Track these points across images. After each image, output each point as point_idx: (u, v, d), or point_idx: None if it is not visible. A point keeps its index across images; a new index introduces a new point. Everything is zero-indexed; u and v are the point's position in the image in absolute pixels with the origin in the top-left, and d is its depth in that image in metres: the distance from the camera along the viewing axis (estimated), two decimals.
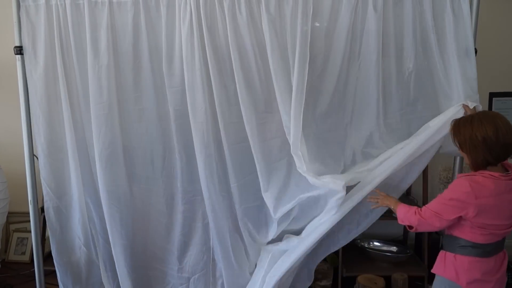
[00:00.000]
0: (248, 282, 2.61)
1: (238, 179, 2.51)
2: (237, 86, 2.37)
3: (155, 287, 2.78)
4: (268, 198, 2.46)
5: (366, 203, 2.37)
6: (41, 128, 2.56)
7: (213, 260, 2.68)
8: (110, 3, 2.41)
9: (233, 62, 2.35)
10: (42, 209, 2.72)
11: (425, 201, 3.26)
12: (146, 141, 2.58)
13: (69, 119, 2.54)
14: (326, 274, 3.13)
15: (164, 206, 2.65)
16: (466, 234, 1.96)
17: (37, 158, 2.62)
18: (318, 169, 2.34)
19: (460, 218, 1.94)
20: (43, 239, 3.07)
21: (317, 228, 2.39)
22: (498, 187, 1.90)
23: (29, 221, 2.71)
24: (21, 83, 2.54)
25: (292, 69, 2.33)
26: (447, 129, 2.16)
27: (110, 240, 2.62)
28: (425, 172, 3.26)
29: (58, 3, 2.42)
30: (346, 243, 2.62)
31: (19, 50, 2.50)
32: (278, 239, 2.59)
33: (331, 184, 2.24)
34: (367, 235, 3.26)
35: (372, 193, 2.31)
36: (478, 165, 1.95)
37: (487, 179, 1.90)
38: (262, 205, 2.54)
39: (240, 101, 2.38)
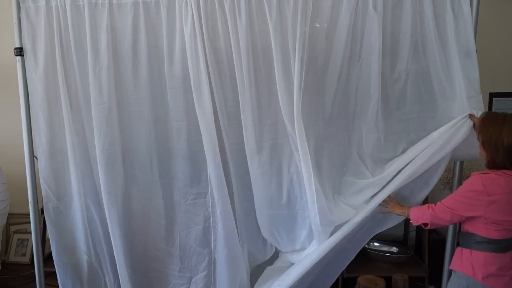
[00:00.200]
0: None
1: (237, 179, 2.53)
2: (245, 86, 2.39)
3: None
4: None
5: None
6: (41, 129, 2.57)
7: (215, 262, 2.68)
8: (110, 4, 2.41)
9: (237, 63, 2.36)
10: (43, 211, 2.72)
11: (425, 201, 3.25)
12: (146, 142, 2.58)
13: (69, 120, 2.54)
14: None
15: (163, 208, 2.65)
16: (481, 230, 2.00)
17: (37, 159, 2.62)
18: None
19: (476, 216, 1.98)
20: (43, 240, 3.06)
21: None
22: (511, 184, 1.94)
23: (30, 222, 2.71)
24: (21, 85, 2.54)
25: (293, 71, 2.33)
26: (455, 142, 2.22)
27: (112, 241, 2.61)
28: None
29: (58, 4, 2.43)
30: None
31: (19, 52, 2.50)
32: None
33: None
34: None
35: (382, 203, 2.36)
36: (494, 166, 2.00)
37: (500, 176, 1.96)
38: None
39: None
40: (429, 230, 3.08)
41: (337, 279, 3.15)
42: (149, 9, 2.42)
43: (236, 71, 2.37)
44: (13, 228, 3.77)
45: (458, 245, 2.14)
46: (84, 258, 2.74)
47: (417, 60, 2.42)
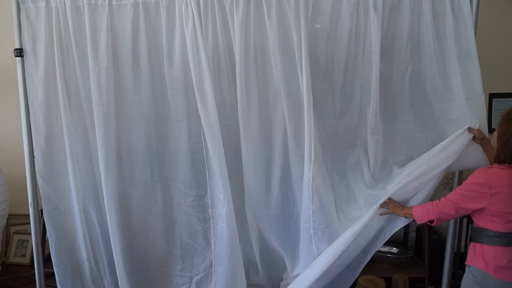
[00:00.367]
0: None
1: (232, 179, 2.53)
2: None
3: None
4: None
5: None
6: (41, 130, 2.56)
7: (215, 262, 2.67)
8: (110, 5, 2.41)
9: (237, 63, 2.37)
10: (42, 211, 2.71)
11: None
12: (146, 143, 2.58)
13: (69, 121, 2.54)
14: None
15: (163, 209, 2.65)
16: (488, 223, 2.05)
17: (36, 160, 2.61)
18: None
19: (479, 208, 2.04)
20: (43, 241, 3.06)
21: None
22: None
23: (30, 223, 2.71)
24: (21, 85, 2.54)
25: (299, 71, 2.34)
26: (455, 156, 2.28)
27: (111, 242, 2.61)
28: None
29: (58, 5, 2.43)
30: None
31: (19, 53, 2.50)
32: None
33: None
34: None
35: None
36: (499, 160, 2.05)
37: (502, 170, 2.02)
38: None
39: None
40: (429, 231, 3.09)
41: None
42: (149, 10, 2.42)
43: (237, 71, 2.38)
44: (13, 229, 3.77)
45: (471, 240, 2.19)
46: (82, 259, 2.74)
47: (417, 61, 2.42)
